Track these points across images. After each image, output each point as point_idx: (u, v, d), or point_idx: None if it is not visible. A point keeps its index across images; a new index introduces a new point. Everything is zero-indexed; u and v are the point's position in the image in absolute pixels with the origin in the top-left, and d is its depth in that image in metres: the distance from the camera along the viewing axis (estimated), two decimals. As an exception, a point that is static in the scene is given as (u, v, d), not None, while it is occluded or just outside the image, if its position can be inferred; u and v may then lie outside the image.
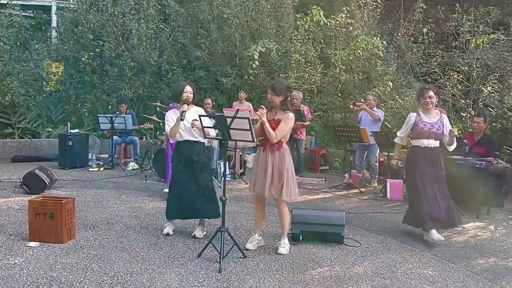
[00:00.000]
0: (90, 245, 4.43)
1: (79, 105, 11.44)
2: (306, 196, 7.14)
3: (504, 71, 8.67)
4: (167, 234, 4.82)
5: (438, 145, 4.93)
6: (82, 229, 4.92)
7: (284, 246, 4.41)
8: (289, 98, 4.43)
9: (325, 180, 8.44)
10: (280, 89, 4.24)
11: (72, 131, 9.52)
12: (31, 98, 10.83)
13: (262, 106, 4.23)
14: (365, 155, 8.11)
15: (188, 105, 4.61)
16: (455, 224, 4.97)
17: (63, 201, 4.47)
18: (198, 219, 4.90)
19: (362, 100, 8.41)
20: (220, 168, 8.00)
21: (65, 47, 11.35)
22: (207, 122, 4.56)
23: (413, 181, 4.97)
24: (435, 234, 4.70)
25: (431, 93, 4.90)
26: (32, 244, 4.35)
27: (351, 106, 8.24)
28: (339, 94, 10.77)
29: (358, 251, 4.56)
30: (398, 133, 5.30)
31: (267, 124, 4.17)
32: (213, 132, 4.54)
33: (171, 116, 4.69)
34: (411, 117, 5.08)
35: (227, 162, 7.93)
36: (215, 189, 4.83)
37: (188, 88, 4.73)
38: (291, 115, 4.26)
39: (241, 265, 4.04)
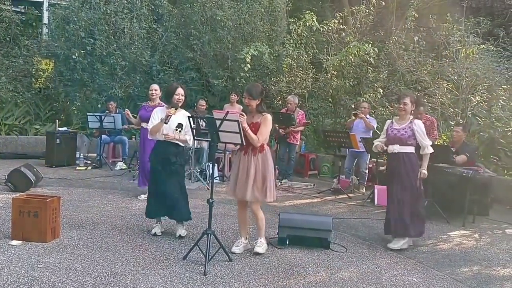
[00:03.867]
0: (74, 245, 4.37)
1: (68, 103, 11.33)
2: (294, 201, 7.14)
3: (493, 81, 8.77)
4: (155, 234, 4.81)
5: (405, 150, 4.86)
6: (66, 228, 4.86)
7: (260, 246, 4.44)
8: (262, 101, 4.38)
9: (314, 185, 8.45)
10: (256, 93, 4.30)
11: (60, 129, 9.43)
12: (19, 94, 10.71)
13: (242, 113, 4.22)
14: (355, 162, 8.14)
15: (176, 109, 4.61)
16: (403, 234, 4.90)
17: (48, 200, 4.41)
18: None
19: (353, 106, 8.44)
20: (209, 170, 7.96)
21: (56, 44, 11.22)
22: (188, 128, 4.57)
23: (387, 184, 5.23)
24: (392, 243, 4.92)
25: (406, 100, 4.91)
26: (15, 242, 4.29)
27: (353, 117, 8.08)
28: (330, 100, 10.81)
29: (344, 257, 4.56)
30: (380, 138, 5.31)
31: (249, 130, 4.21)
32: (190, 141, 4.73)
33: (157, 114, 4.70)
34: (386, 123, 5.20)
35: (215, 165, 7.91)
36: (188, 191, 4.96)
37: (180, 91, 4.74)
38: (269, 116, 4.33)
39: (227, 268, 4.02)
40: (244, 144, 4.12)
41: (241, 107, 9.29)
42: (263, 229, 4.51)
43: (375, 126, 8.06)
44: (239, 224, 4.62)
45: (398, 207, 4.88)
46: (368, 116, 8.07)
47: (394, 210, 4.90)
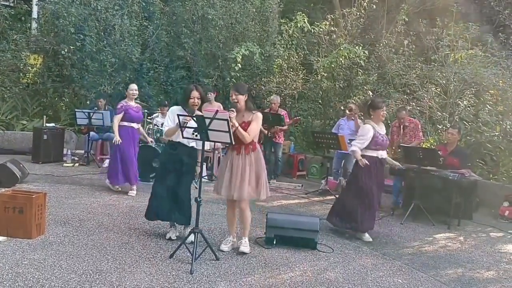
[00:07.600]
0: (60, 242, 4.34)
1: (56, 99, 11.21)
2: (282, 201, 7.16)
3: (480, 86, 8.87)
4: (170, 238, 4.66)
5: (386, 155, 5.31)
6: (52, 225, 4.81)
7: (246, 245, 4.46)
8: (251, 97, 4.47)
9: (302, 186, 8.48)
10: (243, 88, 4.35)
11: (47, 125, 9.33)
12: (6, 89, 10.56)
13: (232, 109, 4.21)
14: (342, 163, 8.17)
15: (193, 113, 4.36)
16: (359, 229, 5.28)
17: (33, 196, 4.37)
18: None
19: (342, 108, 8.47)
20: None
21: (45, 39, 11.10)
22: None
23: (366, 185, 5.17)
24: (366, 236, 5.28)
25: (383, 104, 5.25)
26: (-1, 238, 4.25)
27: (348, 112, 7.99)
28: (320, 101, 10.87)
29: (331, 257, 4.59)
30: (358, 144, 5.16)
31: (239, 127, 4.21)
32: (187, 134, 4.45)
33: (172, 117, 4.44)
34: (369, 130, 5.08)
35: (204, 164, 7.88)
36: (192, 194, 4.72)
37: (195, 94, 4.50)
38: (260, 114, 4.38)
39: (213, 267, 4.02)
40: (234, 143, 4.11)
41: (220, 105, 9.23)
42: (248, 228, 4.54)
43: None
44: (228, 223, 4.63)
45: (370, 206, 5.18)
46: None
47: (366, 208, 5.17)
